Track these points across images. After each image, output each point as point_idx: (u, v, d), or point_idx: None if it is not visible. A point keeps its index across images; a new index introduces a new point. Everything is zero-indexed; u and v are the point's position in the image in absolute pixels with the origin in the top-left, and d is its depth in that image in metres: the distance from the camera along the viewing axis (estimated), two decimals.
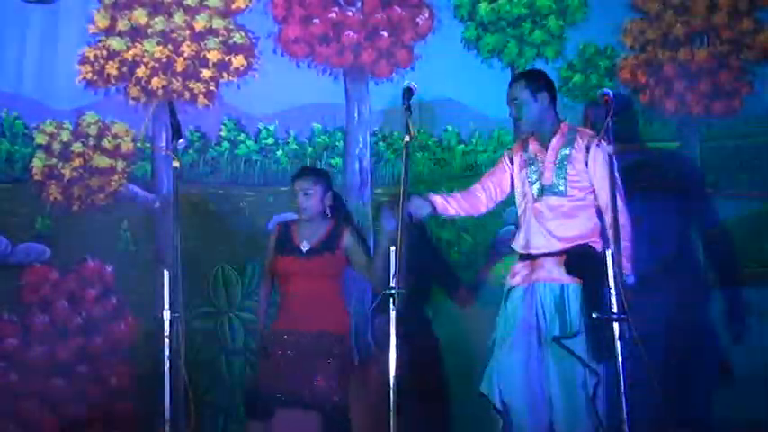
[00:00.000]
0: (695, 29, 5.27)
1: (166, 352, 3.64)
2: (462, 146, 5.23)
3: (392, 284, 3.61)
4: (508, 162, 4.29)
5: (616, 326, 3.55)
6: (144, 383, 4.95)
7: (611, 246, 3.62)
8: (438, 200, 4.23)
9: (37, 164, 5.17)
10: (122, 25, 5.23)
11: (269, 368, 4.29)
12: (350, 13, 5.30)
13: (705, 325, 5.07)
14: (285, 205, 5.13)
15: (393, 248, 3.71)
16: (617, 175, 3.89)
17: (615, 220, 3.69)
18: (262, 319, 4.55)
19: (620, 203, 3.88)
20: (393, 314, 3.59)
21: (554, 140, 4.11)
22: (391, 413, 3.54)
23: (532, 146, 4.20)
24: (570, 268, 3.97)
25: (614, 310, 3.55)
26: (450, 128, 5.24)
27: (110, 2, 5.24)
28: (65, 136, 5.19)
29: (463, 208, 4.30)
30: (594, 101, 4.37)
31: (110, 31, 5.23)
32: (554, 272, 4.01)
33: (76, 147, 5.19)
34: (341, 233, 4.38)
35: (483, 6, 5.31)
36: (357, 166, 5.24)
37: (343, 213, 4.52)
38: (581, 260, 3.95)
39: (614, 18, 5.29)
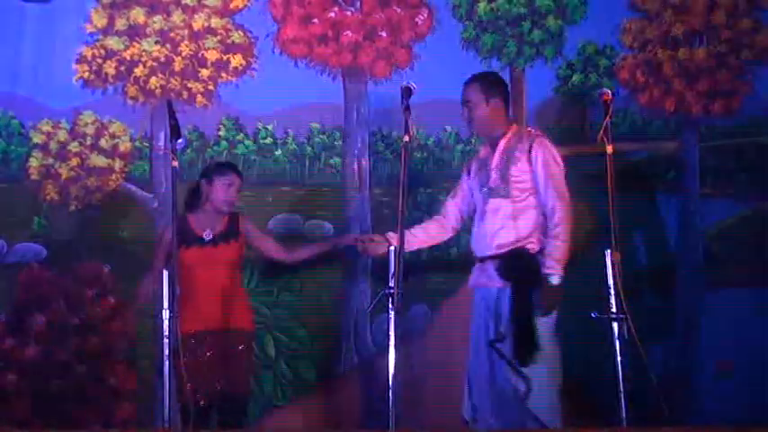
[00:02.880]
0: (694, 28, 5.27)
1: (166, 352, 3.63)
2: (461, 145, 5.23)
3: (391, 284, 3.60)
4: (466, 173, 4.32)
5: (615, 325, 3.57)
6: (143, 383, 4.95)
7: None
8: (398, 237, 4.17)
9: (33, 163, 5.15)
10: (120, 24, 5.22)
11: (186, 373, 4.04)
12: (349, 13, 5.29)
13: (704, 324, 5.08)
14: (284, 205, 5.13)
15: (392, 248, 3.71)
16: (556, 171, 4.00)
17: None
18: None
19: (556, 202, 3.95)
20: (392, 314, 3.58)
21: (501, 142, 4.13)
22: (390, 412, 3.53)
23: (484, 150, 4.24)
24: (502, 272, 3.99)
25: (613, 309, 3.58)
26: (449, 128, 5.23)
27: (107, 1, 5.23)
28: (62, 135, 5.18)
29: (430, 236, 4.35)
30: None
31: (107, 30, 5.22)
32: (493, 275, 4.04)
33: (73, 146, 5.17)
34: (237, 219, 4.47)
35: (482, 6, 5.30)
36: (356, 165, 5.23)
37: None
38: (513, 264, 3.98)
39: (613, 17, 5.30)
